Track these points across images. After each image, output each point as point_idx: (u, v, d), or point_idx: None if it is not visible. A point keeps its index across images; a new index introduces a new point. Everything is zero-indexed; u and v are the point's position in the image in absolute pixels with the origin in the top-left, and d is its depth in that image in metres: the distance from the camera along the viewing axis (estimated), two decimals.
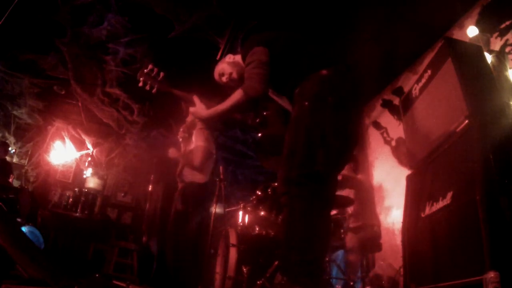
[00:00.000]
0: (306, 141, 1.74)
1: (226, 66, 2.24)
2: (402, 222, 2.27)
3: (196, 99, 2.25)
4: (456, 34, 3.57)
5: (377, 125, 4.92)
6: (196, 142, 3.84)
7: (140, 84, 2.22)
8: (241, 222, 3.66)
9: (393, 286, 3.21)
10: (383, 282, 3.34)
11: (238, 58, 2.23)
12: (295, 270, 1.59)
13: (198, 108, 2.19)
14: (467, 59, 1.96)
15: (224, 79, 2.24)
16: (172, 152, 3.82)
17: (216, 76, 2.30)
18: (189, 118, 3.98)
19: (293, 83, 1.92)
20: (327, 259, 3.11)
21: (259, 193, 3.54)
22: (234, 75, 2.19)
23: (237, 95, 1.91)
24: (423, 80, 2.30)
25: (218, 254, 3.61)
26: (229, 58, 2.28)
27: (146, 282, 4.53)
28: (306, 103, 1.79)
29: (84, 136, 6.98)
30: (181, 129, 3.94)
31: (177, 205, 3.63)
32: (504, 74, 2.57)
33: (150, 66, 2.23)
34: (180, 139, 3.90)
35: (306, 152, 1.73)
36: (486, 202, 1.46)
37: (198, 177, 3.77)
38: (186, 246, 3.61)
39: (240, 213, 3.71)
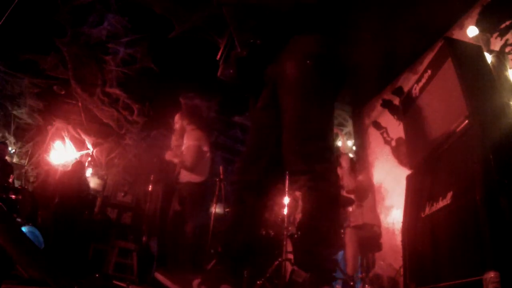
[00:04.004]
0: (321, 111, 1.55)
1: None
2: (402, 222, 2.27)
3: None
4: (456, 34, 3.57)
5: (377, 125, 4.92)
6: (187, 142, 3.85)
7: None
8: None
9: (393, 286, 3.21)
10: (383, 282, 3.34)
11: None
12: (325, 265, 1.41)
13: None
14: (467, 59, 1.95)
15: None
16: (168, 155, 3.84)
17: None
18: (177, 126, 4.00)
19: (284, 33, 1.71)
20: None
21: None
22: None
23: None
24: (423, 80, 2.30)
25: None
26: None
27: (146, 282, 4.53)
28: (309, 62, 1.59)
29: (84, 136, 6.98)
30: (173, 137, 3.96)
31: (175, 206, 3.63)
32: (504, 74, 2.57)
33: None
34: (173, 147, 3.92)
35: (322, 121, 1.55)
36: (486, 202, 1.46)
37: (194, 177, 3.74)
38: (184, 247, 3.61)
39: None
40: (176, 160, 3.80)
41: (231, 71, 1.85)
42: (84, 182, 5.31)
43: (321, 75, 1.59)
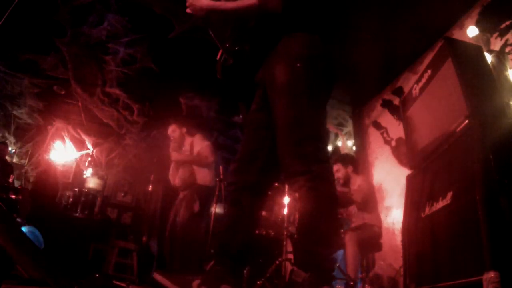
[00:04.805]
0: (314, 111, 1.55)
1: None
2: (402, 222, 2.27)
3: None
4: (456, 34, 3.57)
5: (377, 125, 4.92)
6: (201, 143, 4.02)
7: None
8: None
9: (393, 286, 3.21)
10: (383, 282, 3.34)
11: None
12: (325, 265, 1.42)
13: None
14: (467, 59, 1.95)
15: None
16: (174, 156, 3.95)
17: None
18: (175, 134, 4.13)
19: (271, 36, 1.70)
20: None
21: None
22: None
23: (250, 1, 1.66)
24: (423, 80, 2.30)
25: None
26: None
27: (146, 282, 4.53)
28: (299, 64, 1.59)
29: (84, 136, 6.98)
30: (172, 145, 4.09)
31: (194, 207, 3.70)
32: (504, 74, 2.57)
33: None
34: (173, 152, 4.07)
35: (317, 122, 1.56)
36: (486, 202, 1.46)
37: (208, 180, 3.91)
38: (194, 247, 3.67)
39: None
40: (186, 158, 3.91)
41: (218, 76, 1.83)
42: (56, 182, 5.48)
43: (311, 76, 1.60)
